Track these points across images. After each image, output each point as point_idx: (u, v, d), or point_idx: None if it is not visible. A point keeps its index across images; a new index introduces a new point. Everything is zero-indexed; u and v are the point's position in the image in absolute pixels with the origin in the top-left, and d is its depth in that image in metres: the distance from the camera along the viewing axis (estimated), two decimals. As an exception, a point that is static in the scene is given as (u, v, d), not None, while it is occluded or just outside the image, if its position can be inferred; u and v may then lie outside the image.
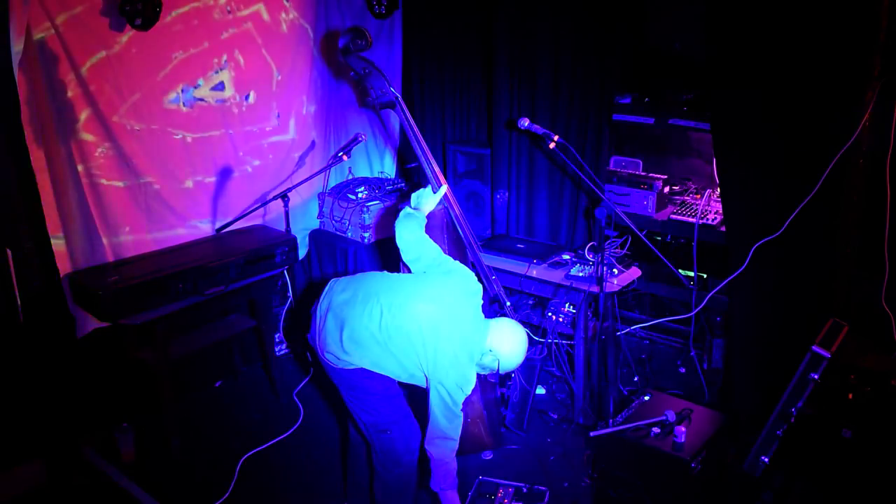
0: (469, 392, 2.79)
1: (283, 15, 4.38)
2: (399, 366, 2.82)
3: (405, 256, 3.09)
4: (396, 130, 5.23)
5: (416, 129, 3.40)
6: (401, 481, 3.00)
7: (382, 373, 2.85)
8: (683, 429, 2.93)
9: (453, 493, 2.88)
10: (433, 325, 2.77)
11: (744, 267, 3.43)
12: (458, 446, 2.84)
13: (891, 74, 3.05)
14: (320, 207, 4.82)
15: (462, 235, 3.44)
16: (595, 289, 3.62)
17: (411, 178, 5.01)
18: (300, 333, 4.59)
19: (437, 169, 3.39)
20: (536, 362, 3.56)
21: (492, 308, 3.61)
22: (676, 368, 4.36)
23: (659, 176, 4.20)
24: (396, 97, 3.40)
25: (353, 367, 2.82)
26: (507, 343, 2.87)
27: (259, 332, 4.17)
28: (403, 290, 2.89)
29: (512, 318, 3.47)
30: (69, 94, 3.49)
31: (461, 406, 2.79)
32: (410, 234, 3.07)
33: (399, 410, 2.94)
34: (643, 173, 4.32)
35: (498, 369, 2.88)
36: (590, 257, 3.91)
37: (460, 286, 2.95)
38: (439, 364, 2.74)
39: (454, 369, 2.74)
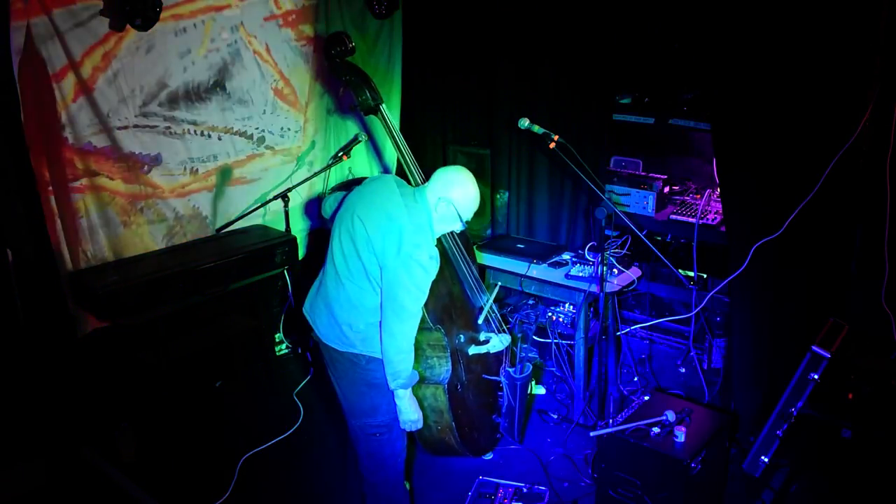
0: (433, 271, 2.70)
1: (283, 16, 4.38)
2: (372, 291, 2.77)
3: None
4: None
5: (399, 137, 3.40)
6: (387, 485, 3.01)
7: (367, 318, 2.79)
8: (683, 429, 2.92)
9: (405, 392, 2.84)
10: (362, 227, 2.74)
11: (744, 267, 3.43)
12: (406, 347, 2.74)
13: (891, 74, 3.05)
14: (320, 207, 4.81)
15: (446, 247, 3.41)
16: (595, 289, 3.62)
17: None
18: (300, 333, 4.61)
19: (420, 175, 3.40)
20: (518, 381, 3.53)
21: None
22: (676, 368, 4.36)
23: (659, 176, 4.20)
24: (378, 104, 3.39)
25: (352, 342, 2.80)
26: (449, 184, 2.81)
27: (259, 332, 4.17)
28: (336, 230, 2.89)
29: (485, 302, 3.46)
30: (69, 94, 3.49)
31: (419, 303, 2.70)
32: (333, 201, 3.12)
33: (393, 411, 2.92)
34: (643, 173, 4.32)
35: (460, 216, 2.81)
36: (590, 257, 3.91)
37: (369, 183, 2.94)
38: (387, 249, 2.68)
39: (404, 248, 2.66)
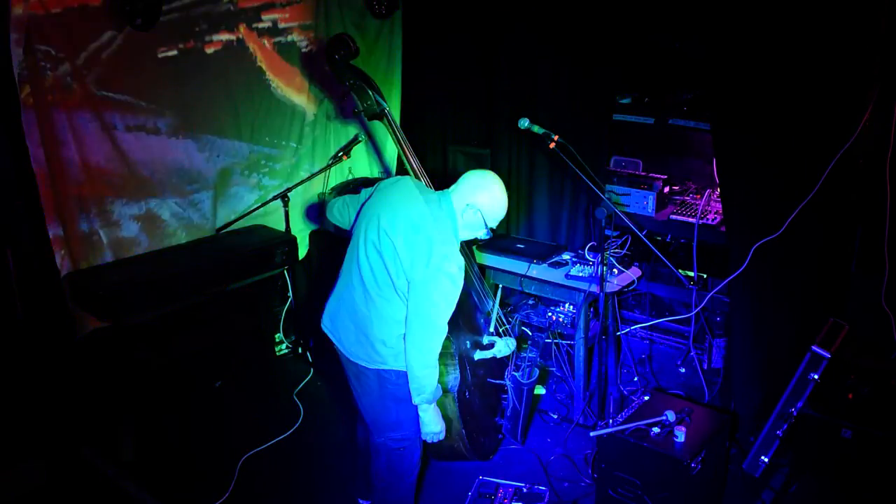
0: (460, 283, 2.62)
1: (284, 15, 4.38)
2: (401, 303, 2.71)
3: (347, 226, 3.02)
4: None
5: (405, 143, 3.37)
6: (398, 494, 3.01)
7: (397, 331, 2.75)
8: (683, 429, 2.92)
9: (429, 406, 2.81)
10: (388, 240, 2.67)
11: (744, 267, 3.43)
12: (432, 363, 2.70)
13: (891, 74, 3.06)
14: (320, 207, 4.82)
15: None
16: (595, 289, 3.62)
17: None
18: (300, 333, 4.61)
19: (426, 178, 3.39)
20: (525, 386, 3.52)
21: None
22: (676, 368, 4.36)
23: (659, 176, 4.20)
24: (383, 109, 3.35)
25: (383, 359, 2.77)
26: (476, 189, 2.72)
27: (259, 332, 4.17)
28: (359, 241, 2.82)
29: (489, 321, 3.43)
30: (69, 93, 3.49)
31: (445, 318, 2.65)
32: (342, 205, 3.05)
33: (417, 424, 2.91)
34: (643, 173, 4.32)
35: (486, 222, 2.73)
36: (590, 257, 3.91)
37: (389, 188, 2.83)
38: (415, 263, 2.61)
39: (433, 260, 2.59)
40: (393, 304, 2.72)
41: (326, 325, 2.94)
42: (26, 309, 3.40)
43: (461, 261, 2.65)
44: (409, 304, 2.67)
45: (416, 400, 2.75)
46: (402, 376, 2.79)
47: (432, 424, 2.85)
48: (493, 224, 2.78)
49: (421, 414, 2.82)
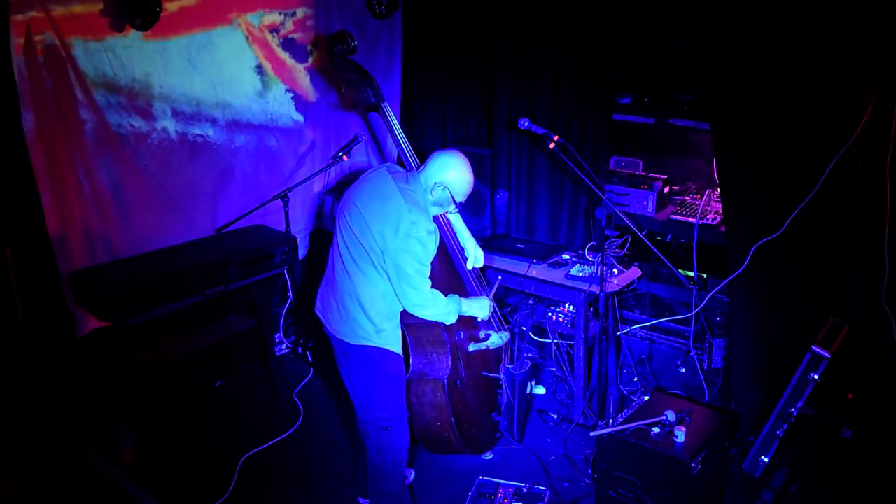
0: (431, 246, 2.82)
1: (284, 14, 4.38)
2: (378, 276, 2.84)
3: None
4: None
5: (400, 135, 3.39)
6: (392, 481, 3.06)
7: (378, 305, 2.87)
8: (683, 429, 2.92)
9: (468, 309, 3.11)
10: (359, 213, 2.83)
11: (744, 267, 3.43)
12: (434, 301, 2.91)
13: (891, 74, 3.06)
14: (320, 207, 4.82)
15: (447, 248, 3.41)
16: (595, 289, 3.62)
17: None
18: (300, 333, 4.61)
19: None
20: (517, 377, 3.54)
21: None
22: (676, 368, 4.36)
23: (659, 176, 4.20)
24: (380, 102, 3.39)
25: (367, 334, 2.86)
26: (444, 167, 2.91)
27: (259, 332, 4.17)
28: (337, 223, 2.97)
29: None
30: (69, 93, 3.48)
31: (425, 273, 2.84)
32: None
33: (403, 405, 3.01)
34: (643, 173, 4.32)
35: (454, 198, 2.92)
36: (590, 257, 3.91)
37: (364, 175, 3.00)
38: (385, 231, 2.77)
39: (402, 226, 2.74)
40: (370, 278, 2.84)
41: (318, 307, 3.07)
42: (26, 309, 3.40)
43: (431, 225, 2.84)
44: (389, 274, 2.82)
45: (451, 320, 3.00)
46: (387, 355, 2.92)
47: (480, 313, 3.18)
48: (461, 199, 2.98)
49: (466, 313, 3.10)
